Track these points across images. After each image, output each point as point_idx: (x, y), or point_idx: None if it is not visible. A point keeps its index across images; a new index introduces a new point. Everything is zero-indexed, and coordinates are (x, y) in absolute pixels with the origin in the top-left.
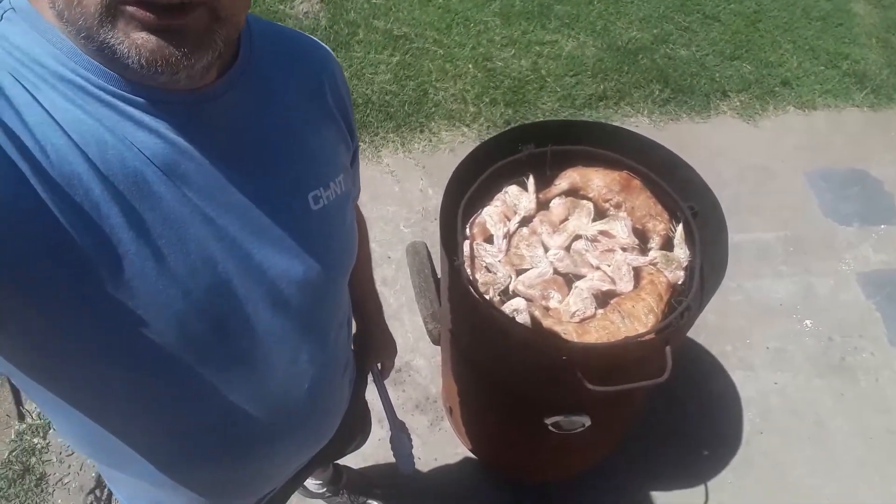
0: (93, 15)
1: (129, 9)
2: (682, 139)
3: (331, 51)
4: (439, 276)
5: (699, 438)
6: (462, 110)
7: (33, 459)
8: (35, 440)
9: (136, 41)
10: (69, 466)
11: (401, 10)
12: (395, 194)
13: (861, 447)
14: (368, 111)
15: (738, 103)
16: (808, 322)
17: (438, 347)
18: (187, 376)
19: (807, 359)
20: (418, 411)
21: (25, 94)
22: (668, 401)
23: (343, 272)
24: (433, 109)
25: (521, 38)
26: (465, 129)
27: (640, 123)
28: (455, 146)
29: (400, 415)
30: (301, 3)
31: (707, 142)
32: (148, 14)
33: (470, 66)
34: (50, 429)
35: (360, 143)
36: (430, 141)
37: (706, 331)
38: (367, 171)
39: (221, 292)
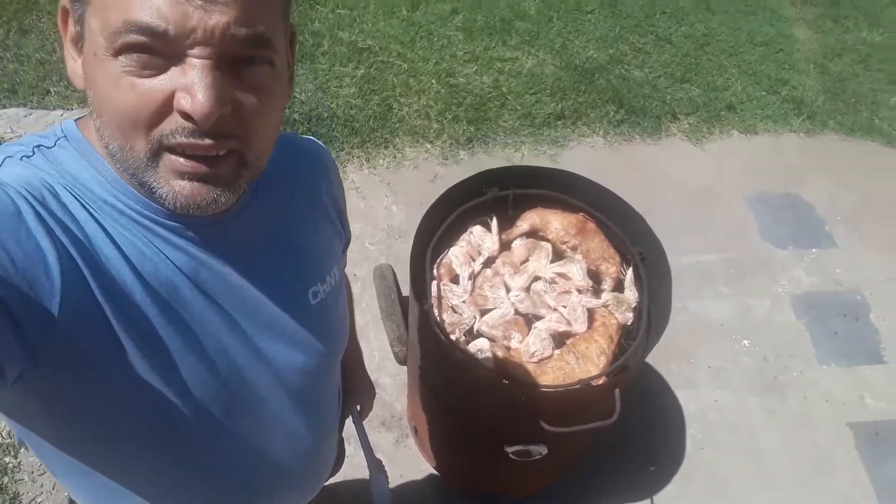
0: (141, 160)
1: (172, 157)
2: (635, 160)
3: (323, 146)
4: (405, 295)
5: (646, 454)
6: (426, 126)
7: (6, 479)
8: (7, 459)
9: (174, 187)
10: (42, 486)
11: (365, 21)
12: (361, 211)
13: (790, 462)
14: (334, 125)
15: (686, 126)
16: (745, 342)
17: (404, 366)
18: (202, 449)
19: (744, 377)
20: (384, 428)
21: (84, 211)
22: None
23: (338, 353)
24: (397, 125)
25: (484, 54)
26: (429, 146)
27: (596, 143)
28: (419, 163)
29: (366, 430)
30: None
31: (657, 163)
32: (187, 163)
33: (433, 81)
34: (21, 447)
35: None
36: (395, 157)
37: (652, 351)
38: None
39: (235, 379)
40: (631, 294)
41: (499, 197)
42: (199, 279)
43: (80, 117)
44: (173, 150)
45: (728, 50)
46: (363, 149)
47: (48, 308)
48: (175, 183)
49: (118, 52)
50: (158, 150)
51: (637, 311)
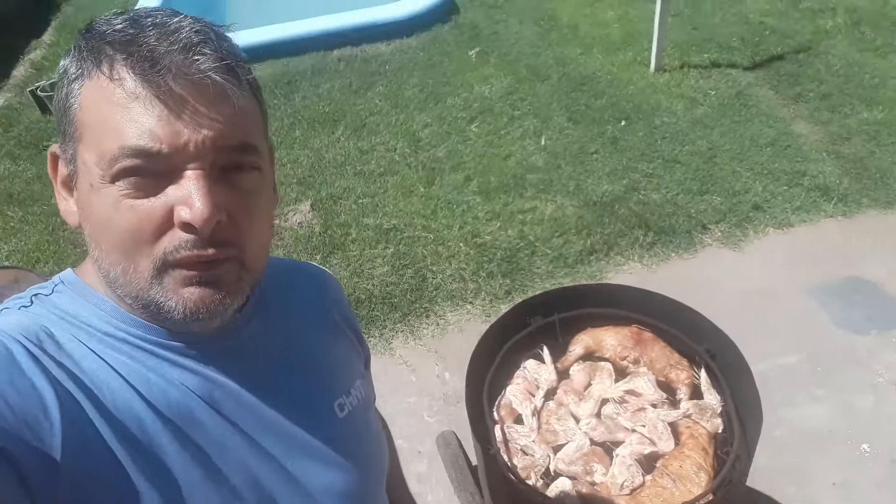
0: (145, 279)
1: (176, 271)
2: (676, 277)
3: (327, 271)
4: (475, 464)
5: None
6: (462, 288)
7: None
8: None
9: (183, 295)
10: None
11: (386, 204)
12: (413, 384)
13: None
14: (373, 306)
15: (719, 234)
16: (864, 446)
17: None
18: None
19: (877, 488)
20: None
21: (82, 347)
22: None
23: (379, 477)
24: (434, 293)
25: (504, 210)
26: (469, 307)
27: (633, 269)
28: (462, 325)
29: None
30: (294, 215)
31: (700, 276)
32: (193, 272)
33: (461, 244)
34: None
35: (371, 339)
36: (438, 324)
37: (760, 475)
38: (381, 364)
39: None
40: (712, 398)
41: (544, 325)
42: (214, 400)
43: (75, 267)
44: (177, 265)
45: (737, 157)
46: (405, 322)
47: (50, 450)
48: (183, 291)
49: (115, 178)
50: (163, 268)
51: (724, 415)
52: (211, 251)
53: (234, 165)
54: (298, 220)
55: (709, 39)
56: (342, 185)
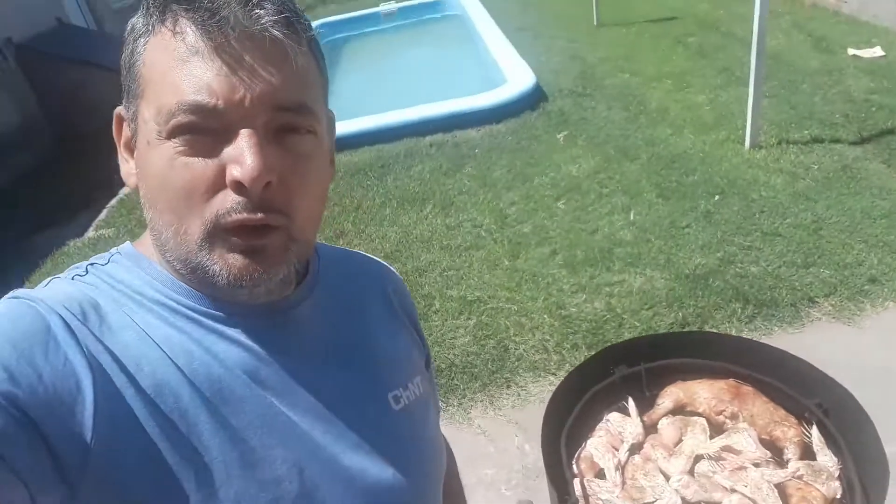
0: (195, 241)
1: (225, 237)
2: None
3: (390, 266)
4: None
5: None
6: (545, 360)
7: None
8: None
9: (228, 261)
10: None
11: (471, 277)
12: (491, 455)
13: None
14: (453, 375)
15: (829, 307)
16: None
17: None
18: None
19: None
20: None
21: (126, 318)
22: None
23: (434, 485)
24: (516, 363)
25: (590, 283)
26: (552, 378)
27: None
28: (544, 396)
29: None
30: None
31: (809, 351)
32: (240, 239)
33: (545, 316)
34: None
35: (450, 408)
36: (519, 395)
37: None
38: (459, 434)
39: (310, 501)
40: (827, 459)
41: (628, 376)
42: (259, 378)
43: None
44: (227, 230)
45: (846, 230)
46: (485, 392)
47: (82, 426)
48: (228, 257)
49: (171, 134)
50: (213, 232)
51: (842, 478)
52: (260, 215)
53: (290, 127)
54: None
55: (808, 117)
56: (428, 259)
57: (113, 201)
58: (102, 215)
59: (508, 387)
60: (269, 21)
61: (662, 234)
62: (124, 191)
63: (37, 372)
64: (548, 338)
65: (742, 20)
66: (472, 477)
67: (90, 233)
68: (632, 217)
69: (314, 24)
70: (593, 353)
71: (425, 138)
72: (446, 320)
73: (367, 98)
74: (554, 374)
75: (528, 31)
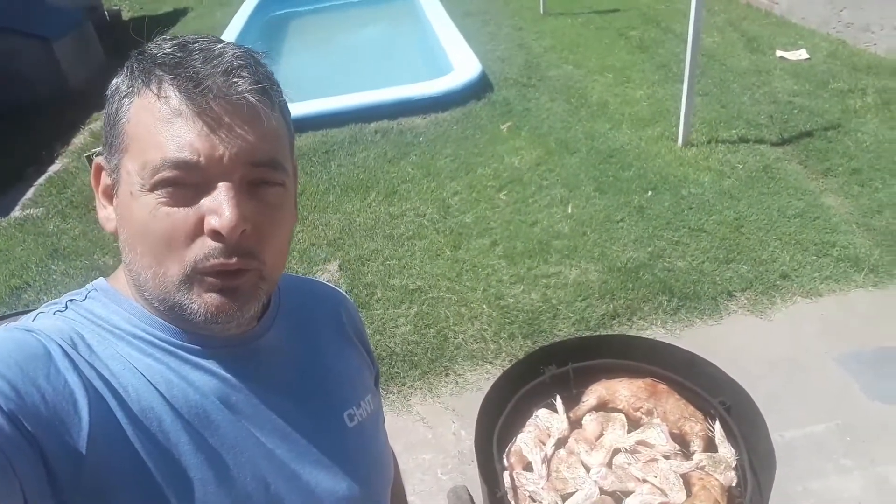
0: (174, 283)
1: (202, 278)
2: (701, 342)
3: (342, 291)
4: None
5: None
6: (483, 349)
7: None
8: None
9: (206, 300)
10: None
11: (412, 266)
12: (429, 441)
13: None
14: (394, 363)
15: (745, 301)
16: None
17: None
18: None
19: None
20: None
21: (110, 350)
22: None
23: (383, 489)
24: (455, 352)
25: (528, 274)
26: (489, 367)
27: (656, 334)
28: (482, 384)
29: None
30: (322, 274)
31: (725, 341)
32: (217, 280)
33: (484, 306)
34: None
35: (389, 395)
36: (457, 383)
37: None
38: (399, 421)
39: None
40: (726, 451)
41: (557, 375)
42: (230, 403)
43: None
44: (204, 273)
45: (764, 227)
46: (425, 380)
47: (77, 443)
48: (206, 296)
49: (154, 187)
50: (191, 275)
51: (738, 468)
52: (234, 260)
53: (262, 180)
54: (326, 279)
55: (737, 117)
56: (371, 248)
57: (41, 179)
58: (30, 194)
59: (447, 375)
60: (247, 89)
61: (598, 227)
62: (54, 168)
63: (40, 392)
64: (486, 327)
65: (681, 16)
66: (411, 462)
67: (16, 212)
68: (570, 210)
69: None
70: (529, 342)
71: (370, 124)
72: (388, 309)
73: (311, 79)
74: (491, 362)
75: (475, 17)
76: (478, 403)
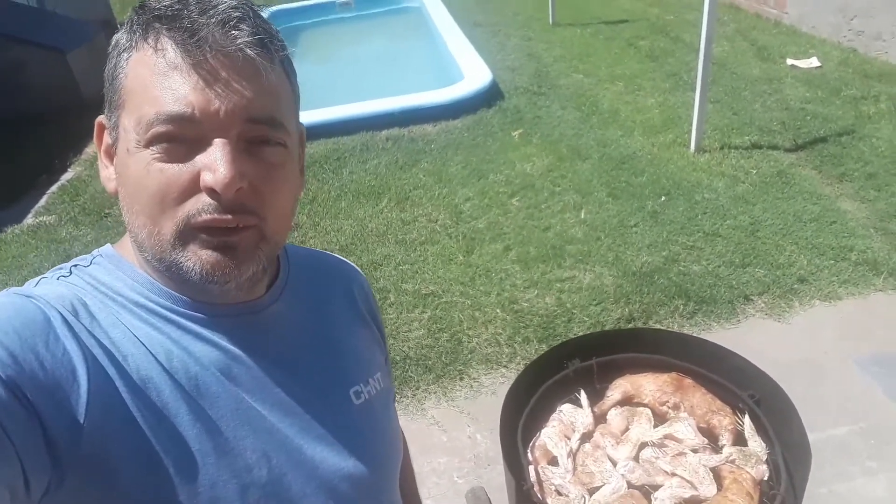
0: (168, 241)
1: (199, 234)
2: None
3: (356, 266)
4: None
5: None
6: (497, 352)
7: None
8: None
9: (201, 257)
10: None
11: (425, 271)
12: (444, 445)
13: None
14: (408, 367)
15: (762, 305)
16: None
17: None
18: None
19: None
20: None
21: (112, 317)
22: None
23: (392, 469)
24: (469, 356)
25: (542, 279)
26: (504, 370)
27: None
28: (496, 388)
29: None
30: None
31: (743, 345)
32: (212, 237)
33: (498, 310)
34: None
35: (404, 399)
36: (472, 387)
37: None
38: (413, 424)
39: (276, 488)
40: (757, 444)
41: (581, 369)
42: (231, 375)
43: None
44: (199, 229)
45: (780, 232)
46: (439, 384)
47: (76, 411)
48: (202, 253)
49: (149, 143)
50: (184, 231)
51: (770, 462)
52: (230, 217)
53: (261, 139)
54: None
55: (749, 123)
56: (383, 253)
57: (54, 187)
58: (42, 202)
59: (461, 379)
60: (244, 41)
61: (612, 232)
62: (66, 177)
63: (38, 360)
64: (500, 331)
65: (690, 26)
66: (426, 465)
67: (29, 219)
68: (583, 215)
69: (268, 10)
70: (544, 346)
71: (382, 132)
72: (401, 313)
73: (323, 89)
74: (506, 366)
75: (484, 28)
76: (493, 407)
